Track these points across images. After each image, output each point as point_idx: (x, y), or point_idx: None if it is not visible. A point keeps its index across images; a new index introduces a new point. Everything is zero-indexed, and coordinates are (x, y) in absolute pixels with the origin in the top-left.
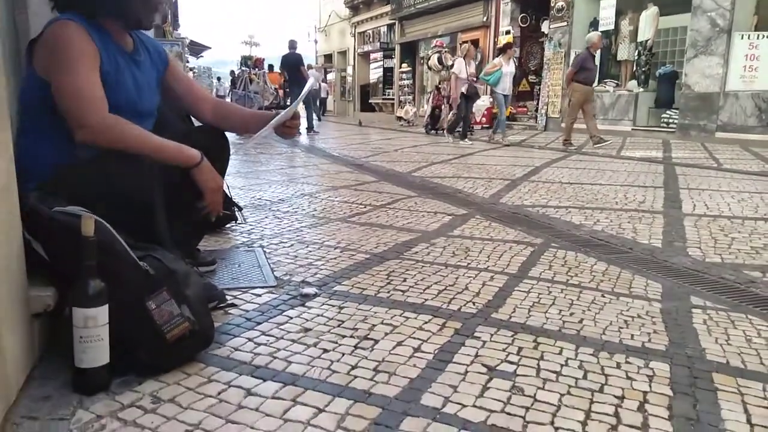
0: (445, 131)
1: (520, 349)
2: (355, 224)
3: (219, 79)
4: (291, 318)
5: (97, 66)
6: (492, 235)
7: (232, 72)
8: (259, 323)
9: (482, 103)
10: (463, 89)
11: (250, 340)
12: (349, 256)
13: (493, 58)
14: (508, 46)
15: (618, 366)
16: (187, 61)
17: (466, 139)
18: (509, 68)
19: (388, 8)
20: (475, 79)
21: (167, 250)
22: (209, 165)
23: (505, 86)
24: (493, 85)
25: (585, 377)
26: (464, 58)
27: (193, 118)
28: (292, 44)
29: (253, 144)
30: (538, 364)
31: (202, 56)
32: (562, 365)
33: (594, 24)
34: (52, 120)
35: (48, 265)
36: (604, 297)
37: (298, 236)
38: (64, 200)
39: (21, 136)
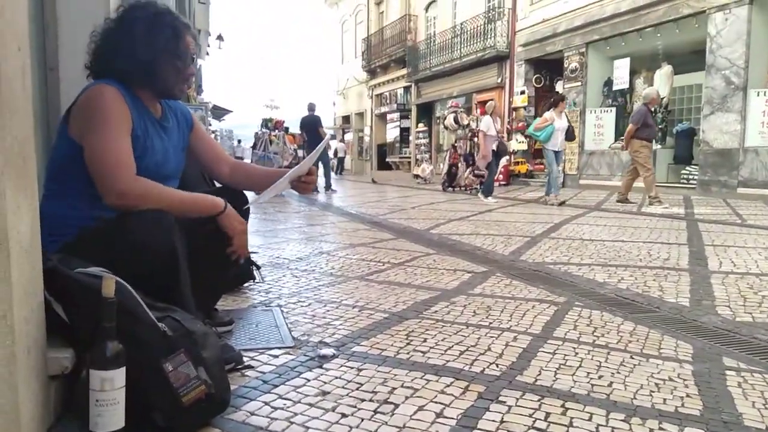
0: (480, 195)
1: (547, 414)
2: (374, 282)
3: (239, 141)
4: (308, 380)
5: (129, 130)
6: (513, 294)
7: (256, 134)
8: (275, 386)
9: (501, 161)
10: (494, 147)
11: (266, 403)
12: (367, 316)
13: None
14: (560, 99)
15: None
16: (210, 125)
17: (491, 197)
18: (562, 123)
19: (404, 71)
20: (503, 135)
21: (188, 310)
22: (233, 210)
23: (557, 142)
24: (544, 141)
25: None
26: (491, 115)
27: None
28: (311, 106)
29: (268, 198)
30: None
31: (224, 119)
32: None
33: (608, 83)
34: (80, 184)
35: (67, 326)
36: (633, 359)
37: (315, 295)
38: (87, 261)
39: (48, 198)
